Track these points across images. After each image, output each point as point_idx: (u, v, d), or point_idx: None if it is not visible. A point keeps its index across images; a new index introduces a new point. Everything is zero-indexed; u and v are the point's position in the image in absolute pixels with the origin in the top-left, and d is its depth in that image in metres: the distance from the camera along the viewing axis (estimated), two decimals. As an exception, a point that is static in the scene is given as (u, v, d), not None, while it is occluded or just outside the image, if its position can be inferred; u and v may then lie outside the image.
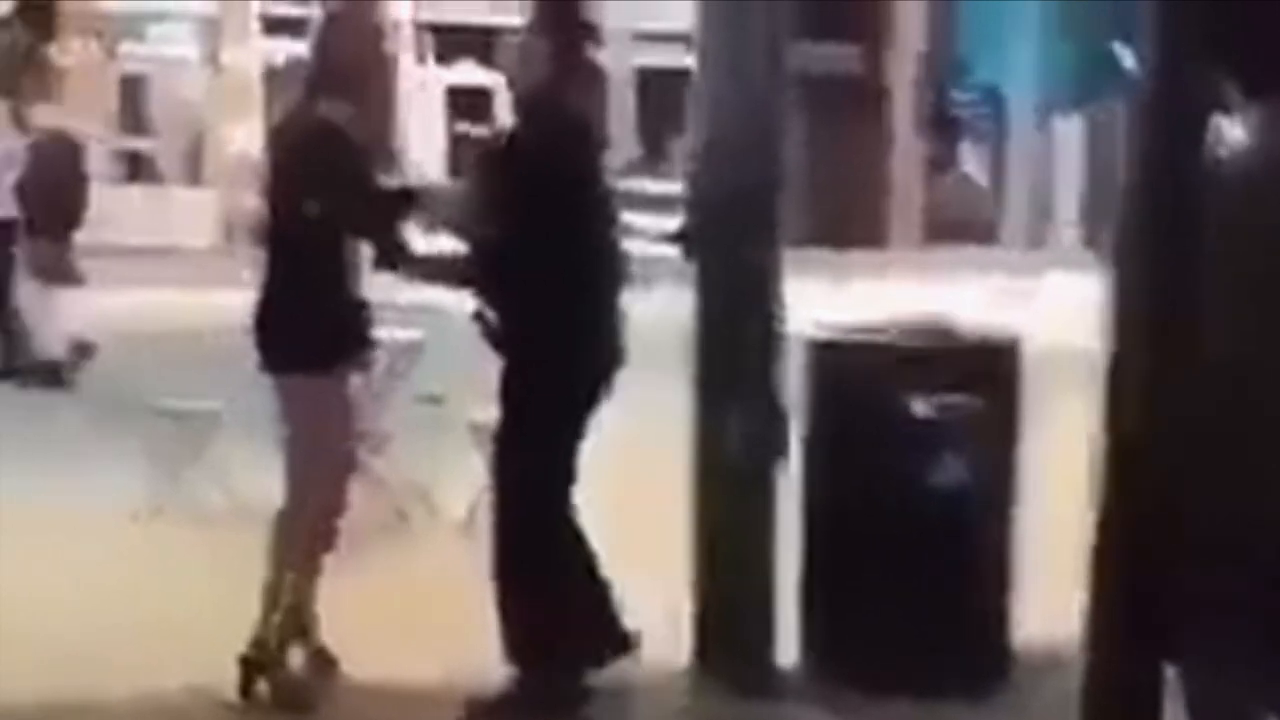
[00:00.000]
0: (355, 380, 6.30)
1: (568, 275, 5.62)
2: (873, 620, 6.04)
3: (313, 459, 6.04)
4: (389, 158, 6.54)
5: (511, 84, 5.98)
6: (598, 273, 5.78)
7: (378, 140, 6.14)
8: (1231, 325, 4.06)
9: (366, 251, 6.01)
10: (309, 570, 6.16)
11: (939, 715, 5.82)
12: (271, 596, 6.02)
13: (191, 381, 9.72)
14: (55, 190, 13.56)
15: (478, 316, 5.69)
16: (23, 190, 13.43)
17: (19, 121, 13.97)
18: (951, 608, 6.01)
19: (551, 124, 5.76)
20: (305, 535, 6.06)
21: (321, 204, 5.82)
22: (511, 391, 5.71)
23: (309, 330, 5.92)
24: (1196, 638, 4.25)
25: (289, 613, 6.16)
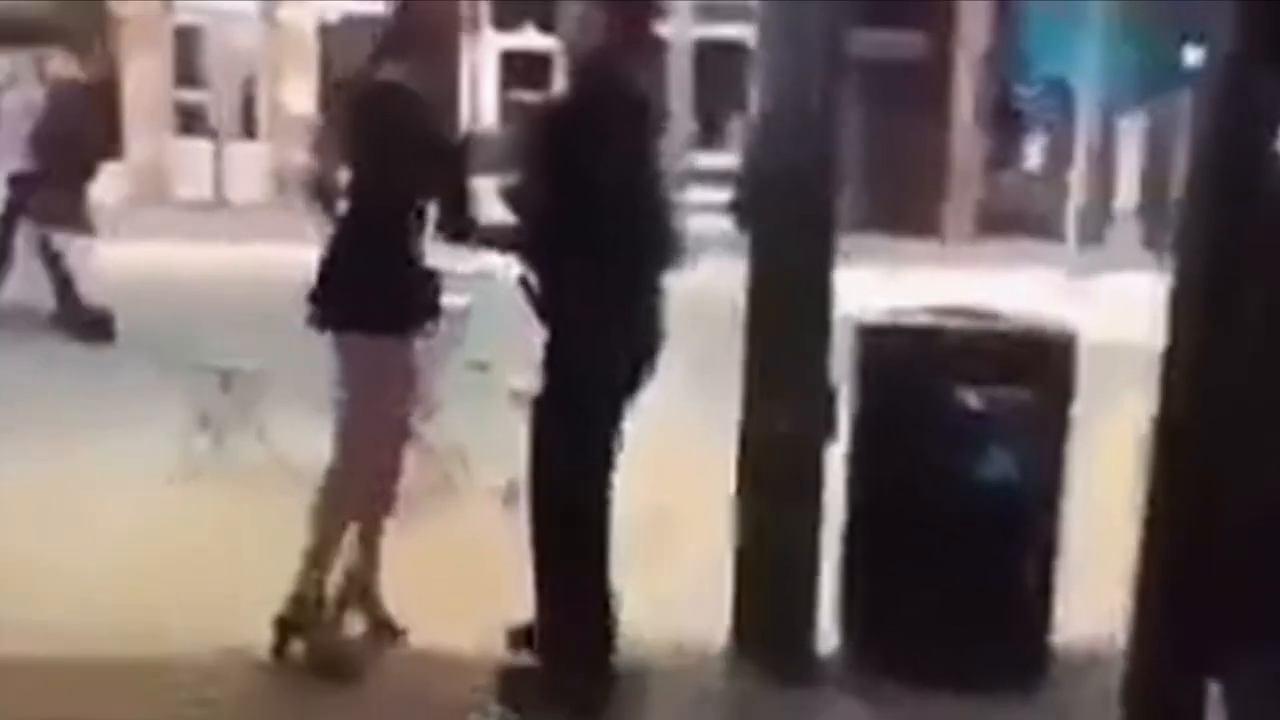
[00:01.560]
0: (418, 346, 6.26)
1: (615, 249, 5.56)
2: (914, 611, 5.99)
3: (367, 422, 6.04)
4: (450, 121, 6.52)
5: (569, 51, 5.91)
6: (646, 249, 5.71)
7: (440, 103, 6.09)
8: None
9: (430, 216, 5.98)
10: (370, 535, 6.21)
11: (978, 709, 5.77)
12: (313, 557, 6.03)
13: (240, 339, 9.70)
14: (69, 141, 13.50)
15: (523, 283, 5.64)
16: (38, 140, 13.42)
17: (41, 74, 13.98)
18: (994, 602, 5.96)
19: (608, 94, 5.69)
20: (357, 498, 6.07)
21: (391, 163, 5.81)
22: (552, 362, 5.67)
23: (376, 292, 5.91)
24: (1240, 653, 4.22)
25: (348, 578, 6.23)
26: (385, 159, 5.88)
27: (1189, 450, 4.45)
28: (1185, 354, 4.51)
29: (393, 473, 6.20)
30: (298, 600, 6.02)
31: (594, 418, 5.69)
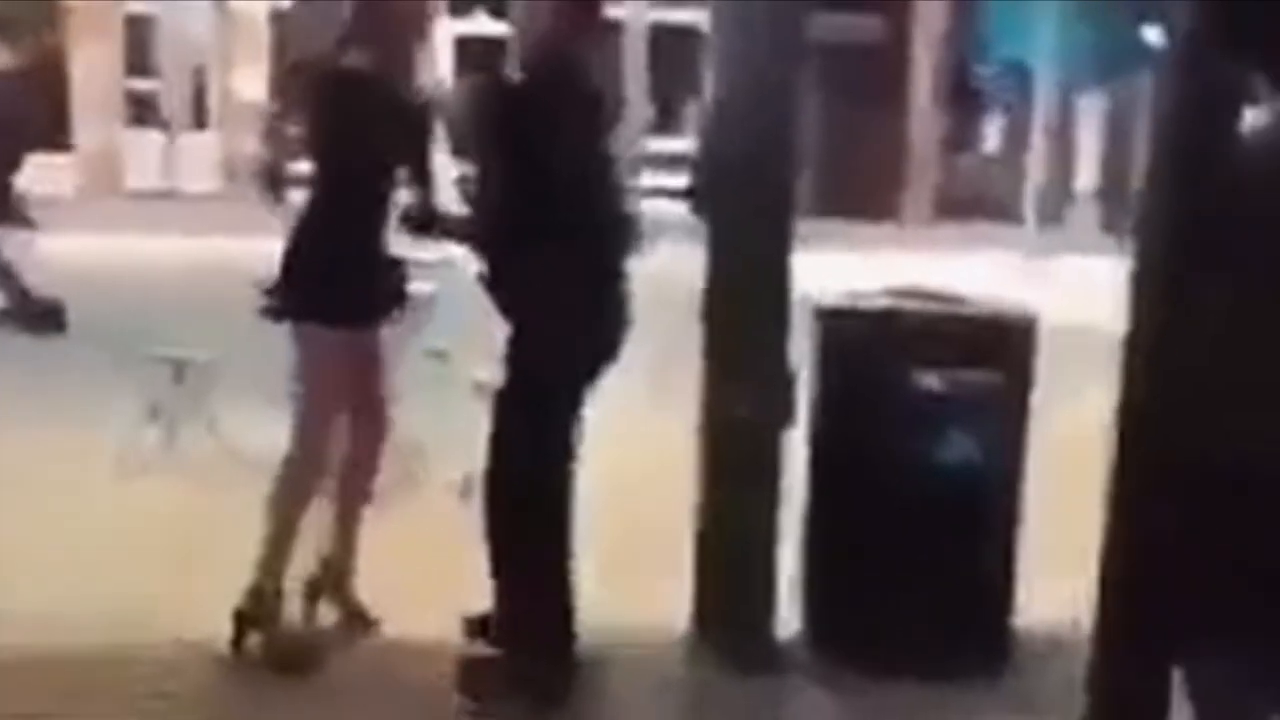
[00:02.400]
0: (381, 335, 6.23)
1: (572, 237, 5.50)
2: (875, 597, 5.96)
3: (324, 413, 6.00)
4: (414, 106, 6.54)
5: (520, 37, 5.85)
6: (603, 236, 5.66)
7: (404, 89, 6.05)
8: (1249, 314, 3.99)
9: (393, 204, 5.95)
10: (346, 524, 6.22)
11: (941, 695, 5.73)
12: (270, 549, 5.97)
13: (192, 330, 9.63)
14: None
15: (482, 278, 5.59)
16: None
17: None
18: (956, 588, 5.93)
19: (560, 80, 5.62)
20: (311, 489, 6.02)
21: (355, 150, 5.79)
22: (514, 354, 5.61)
23: (340, 281, 5.88)
24: (1201, 635, 4.20)
25: (324, 567, 6.24)
26: (350, 146, 5.85)
27: (1150, 434, 4.42)
28: (1146, 338, 4.48)
29: (370, 460, 6.21)
30: (255, 593, 5.97)
31: (556, 408, 5.63)
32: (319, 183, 5.97)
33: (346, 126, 5.87)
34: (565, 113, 5.55)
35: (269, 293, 5.95)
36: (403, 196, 5.95)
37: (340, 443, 6.17)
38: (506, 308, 5.57)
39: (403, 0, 6.09)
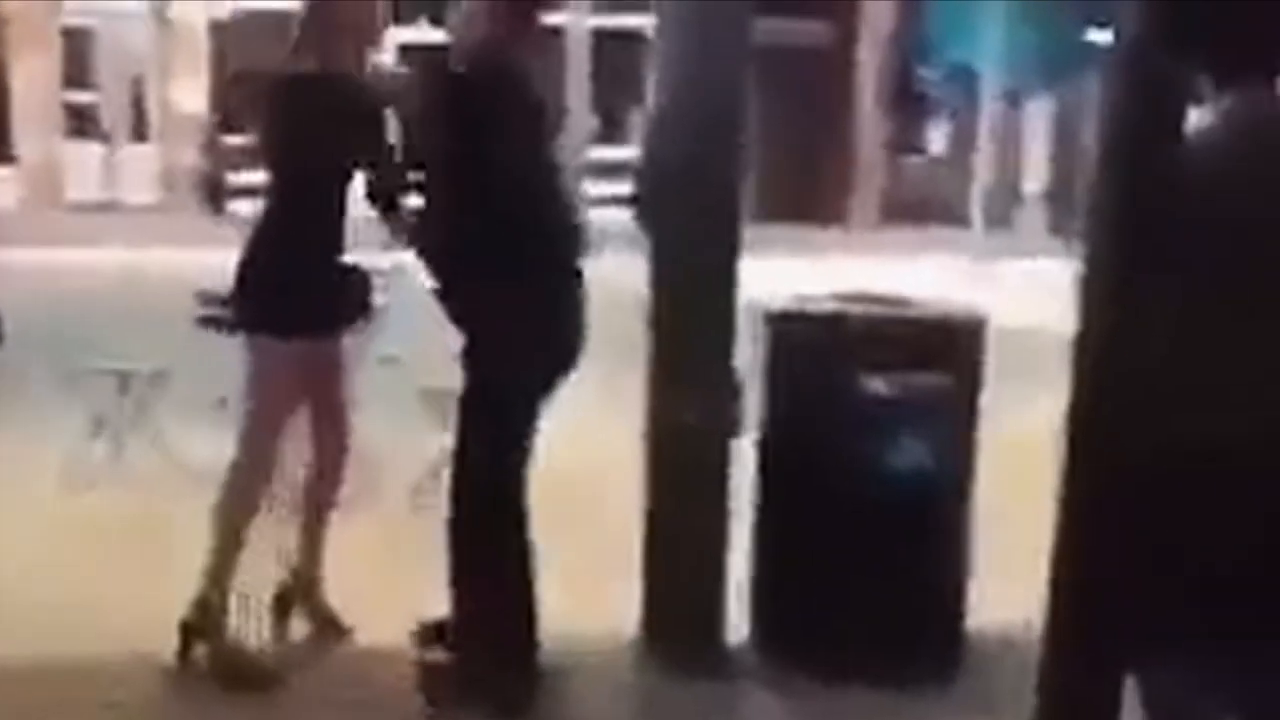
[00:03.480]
0: (341, 342, 6.22)
1: (521, 249, 5.47)
2: (825, 602, 5.96)
3: (268, 421, 5.96)
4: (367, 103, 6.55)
5: (457, 45, 5.81)
6: (553, 247, 5.63)
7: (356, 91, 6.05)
8: (1197, 315, 3.99)
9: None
10: (313, 533, 6.22)
11: (892, 700, 5.73)
12: (216, 560, 5.92)
13: (136, 341, 9.57)
14: None
15: (434, 290, 5.56)
16: None
17: None
18: (907, 592, 5.93)
19: (496, 87, 5.58)
20: (258, 498, 5.98)
21: (311, 152, 5.76)
22: (470, 365, 5.59)
23: (300, 291, 5.84)
24: (1152, 638, 4.20)
25: (293, 576, 6.26)
26: (306, 150, 5.81)
27: (1099, 437, 4.42)
28: (1094, 340, 4.48)
29: (335, 468, 6.21)
30: (201, 604, 5.93)
31: (515, 416, 5.60)
32: (274, 191, 5.95)
33: (302, 130, 5.84)
34: (506, 119, 5.51)
35: (224, 303, 5.93)
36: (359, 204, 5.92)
37: (299, 452, 6.17)
38: (458, 318, 5.54)
39: (353, 5, 6.05)
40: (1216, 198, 3.98)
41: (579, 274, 5.65)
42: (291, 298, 5.86)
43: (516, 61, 5.63)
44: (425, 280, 5.62)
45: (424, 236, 5.64)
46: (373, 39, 6.27)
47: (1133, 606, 4.24)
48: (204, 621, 5.91)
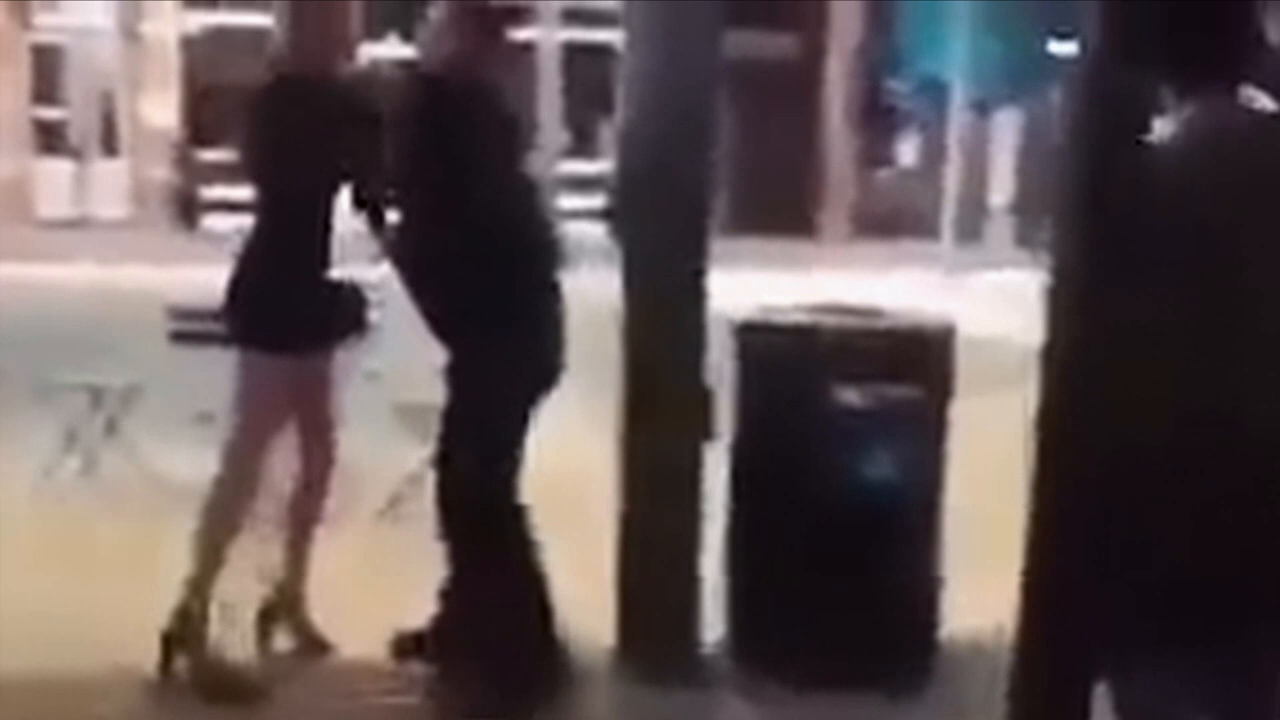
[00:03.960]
0: (331, 360, 6.22)
1: (497, 265, 5.49)
2: (799, 611, 5.97)
3: (255, 435, 5.96)
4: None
5: (425, 62, 5.82)
6: (528, 262, 5.64)
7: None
8: (1164, 324, 4.02)
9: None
10: (298, 548, 6.21)
11: (864, 708, 5.75)
12: (200, 569, 5.91)
13: (108, 357, 9.56)
14: None
15: (419, 310, 5.57)
16: None
17: None
18: (879, 599, 5.94)
19: (465, 102, 5.59)
20: (242, 512, 5.98)
21: (302, 155, 5.72)
22: (452, 381, 5.60)
23: (291, 307, 5.84)
24: (1122, 644, 4.23)
25: (278, 592, 6.23)
26: (295, 156, 5.75)
27: (1067, 444, 4.45)
28: (1062, 349, 4.51)
29: (321, 483, 6.20)
30: (182, 614, 5.91)
31: (497, 431, 5.61)
32: (261, 206, 5.94)
33: (285, 137, 5.81)
34: (478, 134, 5.53)
35: (198, 317, 5.91)
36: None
37: (285, 466, 6.16)
38: (440, 333, 5.56)
39: (329, 18, 6.07)
40: (1180, 206, 4.00)
41: (557, 287, 5.68)
42: (284, 313, 5.85)
43: (486, 76, 5.65)
44: (396, 291, 5.63)
45: (402, 252, 5.66)
46: (349, 52, 6.28)
47: (1102, 612, 4.27)
48: (184, 631, 5.90)
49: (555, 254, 5.76)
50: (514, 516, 5.67)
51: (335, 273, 5.97)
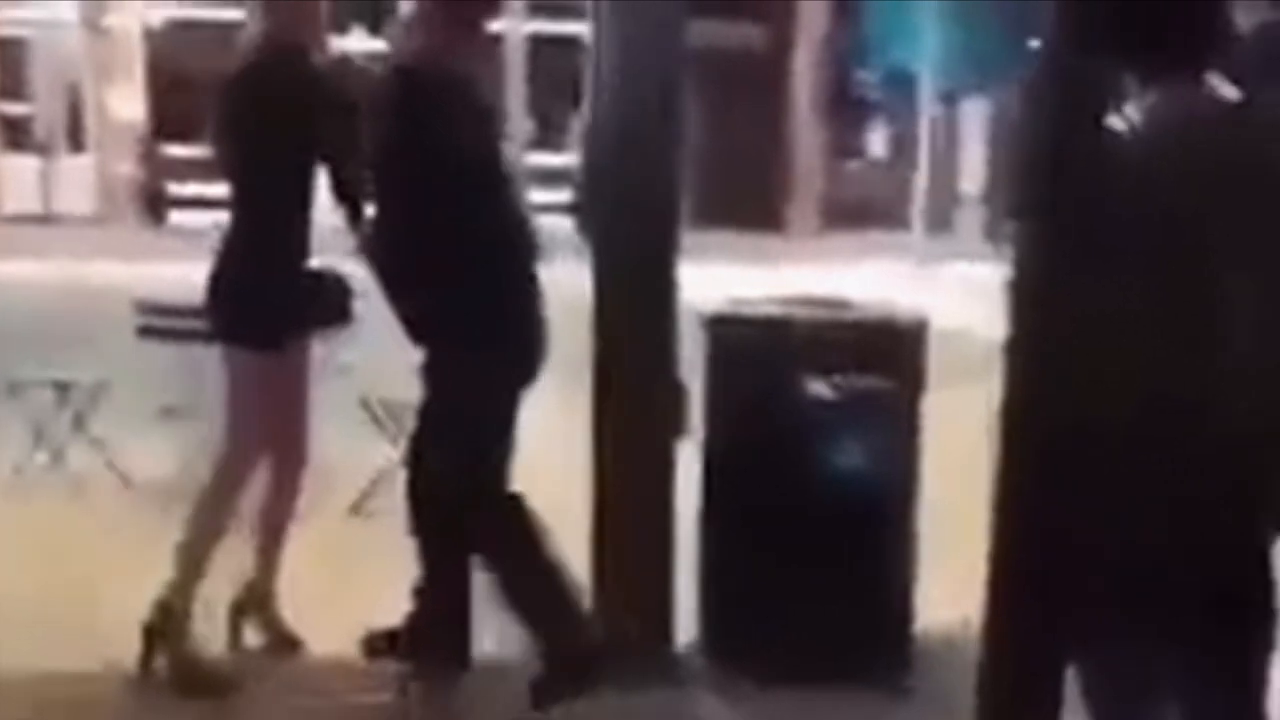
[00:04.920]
0: (308, 354, 6.20)
1: (473, 259, 5.46)
2: (772, 606, 5.97)
3: (251, 431, 5.97)
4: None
5: (396, 54, 5.80)
6: (506, 256, 5.62)
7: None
8: (1127, 312, 4.03)
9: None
10: (269, 546, 6.19)
11: (838, 702, 5.76)
12: (184, 565, 5.89)
13: (75, 353, 9.53)
14: None
15: (395, 311, 5.56)
16: None
17: None
18: (852, 594, 5.94)
19: (439, 95, 5.57)
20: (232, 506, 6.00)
21: (281, 140, 5.73)
22: (427, 378, 5.58)
23: (272, 300, 5.84)
24: (1090, 633, 4.24)
25: (248, 589, 6.21)
26: (271, 141, 5.77)
27: (1031, 433, 4.45)
28: (1024, 343, 4.51)
29: (293, 481, 6.20)
30: (164, 608, 5.89)
31: (476, 428, 5.59)
32: (236, 200, 5.92)
33: (258, 123, 5.81)
34: (452, 127, 5.50)
35: (197, 314, 5.92)
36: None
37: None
38: (419, 335, 5.54)
39: (303, 8, 6.04)
40: (1144, 194, 4.01)
41: (534, 282, 5.65)
42: (268, 307, 5.85)
43: (460, 69, 5.63)
44: (367, 283, 5.62)
45: (377, 249, 5.63)
46: (320, 44, 6.26)
47: (1068, 601, 4.27)
48: (165, 625, 5.88)
49: (532, 249, 5.74)
50: (508, 511, 5.65)
51: (317, 264, 5.96)
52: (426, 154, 5.40)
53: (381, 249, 5.59)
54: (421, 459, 5.62)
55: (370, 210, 5.73)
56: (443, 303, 5.45)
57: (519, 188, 6.01)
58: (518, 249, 5.66)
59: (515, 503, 5.65)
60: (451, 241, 5.40)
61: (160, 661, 5.88)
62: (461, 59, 5.63)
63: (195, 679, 5.85)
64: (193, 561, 5.90)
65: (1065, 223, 4.21)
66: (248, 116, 5.88)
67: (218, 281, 5.90)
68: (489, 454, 5.56)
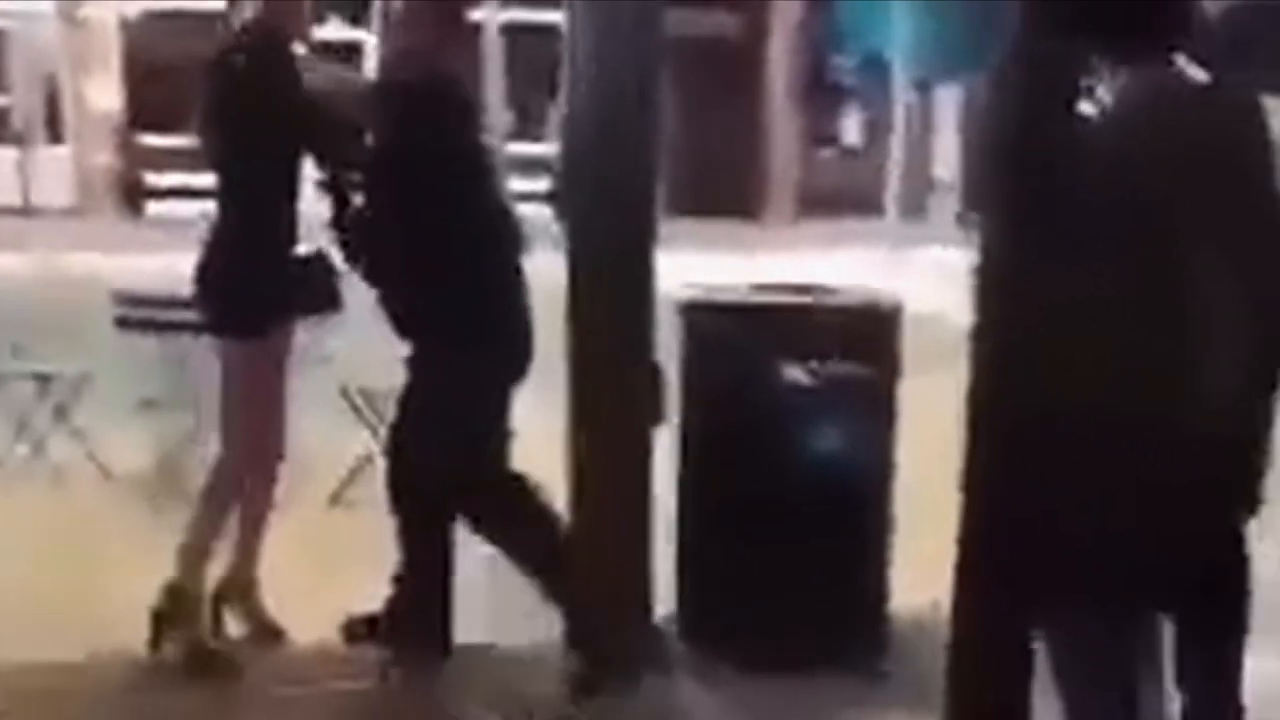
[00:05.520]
0: (290, 342, 6.20)
1: (458, 250, 5.49)
2: (749, 592, 5.98)
3: (256, 416, 6.01)
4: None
5: (381, 49, 5.82)
6: (491, 247, 5.64)
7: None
8: (1095, 296, 4.06)
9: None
10: (248, 536, 6.20)
11: (817, 688, 5.77)
12: (192, 550, 5.95)
13: (56, 345, 9.53)
14: None
15: (380, 303, 5.58)
16: None
17: None
18: (830, 579, 5.95)
19: (424, 90, 5.59)
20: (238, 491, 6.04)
21: (266, 128, 5.73)
22: (412, 368, 5.61)
23: (262, 288, 5.84)
24: (1055, 600, 4.27)
25: (229, 578, 6.20)
26: (260, 125, 5.77)
27: (996, 416, 4.48)
28: (991, 330, 4.53)
29: (274, 467, 6.21)
30: (174, 592, 5.92)
31: (462, 417, 5.61)
32: (222, 190, 5.94)
33: (243, 110, 5.83)
34: (437, 120, 5.53)
35: (175, 305, 5.93)
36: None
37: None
38: (405, 331, 5.56)
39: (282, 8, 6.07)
40: (1113, 177, 4.04)
41: (519, 274, 5.68)
42: (257, 295, 5.86)
43: (444, 62, 5.66)
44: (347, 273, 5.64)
45: (362, 243, 5.65)
46: (303, 33, 6.27)
47: (1036, 584, 4.30)
48: (176, 609, 5.91)
49: (517, 242, 5.77)
50: (510, 493, 5.68)
51: (304, 248, 5.97)
52: (413, 149, 5.43)
53: (368, 244, 5.61)
54: (402, 450, 5.65)
55: (357, 202, 5.74)
56: (429, 298, 5.48)
57: (502, 180, 6.03)
58: (503, 243, 5.69)
59: (519, 482, 5.68)
60: (437, 236, 5.43)
61: (169, 647, 5.91)
62: (447, 55, 5.66)
63: (207, 663, 5.88)
64: (203, 546, 5.95)
65: (1033, 208, 4.23)
66: (234, 105, 5.89)
67: (205, 272, 5.91)
68: (475, 448, 5.59)
